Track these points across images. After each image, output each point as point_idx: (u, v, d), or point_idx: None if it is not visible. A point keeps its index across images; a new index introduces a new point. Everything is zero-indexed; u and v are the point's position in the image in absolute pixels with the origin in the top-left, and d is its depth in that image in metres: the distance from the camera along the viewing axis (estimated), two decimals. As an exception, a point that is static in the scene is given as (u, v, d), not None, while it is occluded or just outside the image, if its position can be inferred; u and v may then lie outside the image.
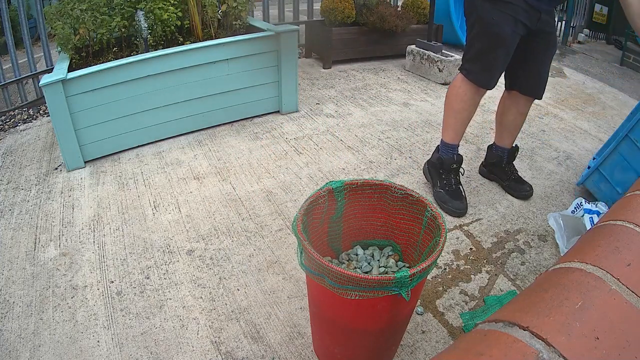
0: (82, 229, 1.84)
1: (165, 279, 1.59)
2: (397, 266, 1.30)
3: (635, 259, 0.54)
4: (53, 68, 2.34)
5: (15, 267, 1.65)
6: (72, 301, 1.50)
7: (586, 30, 5.53)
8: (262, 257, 1.70)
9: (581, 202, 1.88)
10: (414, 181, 2.19)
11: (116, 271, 1.63)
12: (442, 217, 1.12)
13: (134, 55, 2.38)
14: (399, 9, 4.12)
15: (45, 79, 2.05)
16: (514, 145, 2.11)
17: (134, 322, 1.42)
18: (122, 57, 2.35)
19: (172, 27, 2.57)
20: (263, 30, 2.68)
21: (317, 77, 3.57)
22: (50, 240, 1.79)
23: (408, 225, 1.27)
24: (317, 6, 3.96)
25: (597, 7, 5.49)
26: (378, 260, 1.32)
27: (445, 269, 1.66)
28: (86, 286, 1.56)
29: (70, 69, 2.23)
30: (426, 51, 3.60)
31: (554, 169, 2.35)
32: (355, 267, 1.30)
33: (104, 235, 1.81)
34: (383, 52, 3.98)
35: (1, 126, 2.79)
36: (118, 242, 1.77)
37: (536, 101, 2.02)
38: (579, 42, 5.32)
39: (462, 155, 2.00)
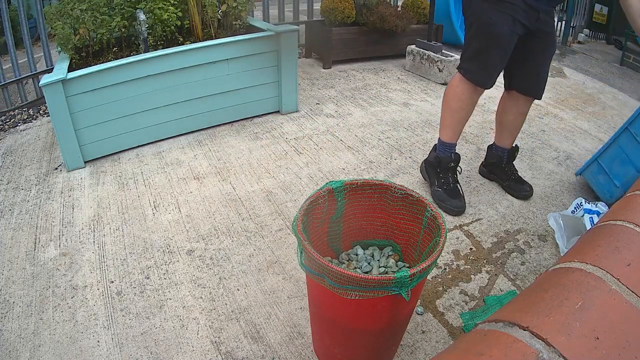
0: (82, 229, 1.84)
1: (165, 279, 1.59)
2: (397, 266, 1.30)
3: (635, 259, 0.54)
4: (53, 68, 2.34)
5: (15, 267, 1.65)
6: (72, 301, 1.50)
7: (586, 30, 5.53)
8: (262, 257, 1.70)
9: (581, 202, 1.88)
10: (414, 181, 2.19)
11: (116, 271, 1.63)
12: (442, 217, 1.12)
13: (134, 55, 2.38)
14: (399, 9, 4.12)
15: (45, 79, 2.05)
16: (514, 145, 2.11)
17: (134, 322, 1.42)
18: (122, 57, 2.35)
19: (172, 27, 2.57)
20: (263, 30, 2.68)
21: (317, 77, 3.57)
22: (50, 240, 1.79)
23: (408, 225, 1.27)
24: (317, 6, 3.96)
25: (597, 7, 5.49)
26: (378, 260, 1.32)
27: (445, 269, 1.66)
28: (86, 286, 1.56)
29: (70, 69, 2.23)
30: (426, 51, 3.60)
31: (554, 169, 2.35)
32: (355, 267, 1.30)
33: (104, 235, 1.81)
34: (383, 52, 3.98)
35: (1, 126, 2.79)
36: (118, 242, 1.77)
37: (536, 101, 2.02)
38: (579, 42, 5.32)
39: (459, 154, 2.00)
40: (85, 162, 2.30)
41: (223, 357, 1.31)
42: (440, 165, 1.99)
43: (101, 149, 2.35)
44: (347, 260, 1.34)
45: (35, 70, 3.07)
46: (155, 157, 2.38)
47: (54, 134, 2.52)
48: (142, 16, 2.39)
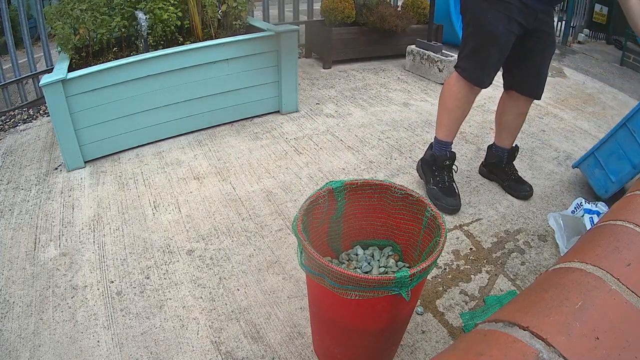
0: (82, 229, 1.84)
1: (165, 279, 1.59)
2: (397, 266, 1.30)
3: (635, 259, 0.54)
4: (53, 68, 2.34)
5: (15, 267, 1.65)
6: (72, 301, 1.50)
7: (586, 30, 5.53)
8: (262, 257, 1.70)
9: (581, 202, 1.88)
10: (414, 181, 2.19)
11: (116, 271, 1.63)
12: (442, 217, 1.12)
13: (134, 55, 2.38)
14: (399, 9, 4.12)
15: (45, 79, 2.05)
16: (514, 145, 2.11)
17: (134, 322, 1.42)
18: (122, 57, 2.35)
19: (172, 27, 2.57)
20: (263, 30, 2.68)
21: (317, 77, 3.57)
22: (50, 240, 1.79)
23: (408, 225, 1.27)
24: (317, 6, 3.96)
25: (597, 7, 5.48)
26: (378, 260, 1.32)
27: (445, 269, 1.66)
28: (86, 286, 1.56)
29: (70, 69, 2.23)
30: (426, 51, 3.60)
31: (554, 169, 2.35)
32: (355, 267, 1.30)
33: (104, 235, 1.81)
34: (383, 52, 3.98)
35: (1, 126, 2.79)
36: (118, 242, 1.77)
37: (536, 101, 2.02)
38: (579, 42, 5.32)
39: (454, 153, 2.01)
40: (85, 162, 2.30)
41: (223, 357, 1.31)
42: (436, 163, 2.00)
43: (101, 149, 2.35)
44: (347, 260, 1.34)
45: (35, 70, 3.06)
46: (155, 157, 2.38)
47: (54, 134, 2.52)
48: (141, 16, 2.39)
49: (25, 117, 2.92)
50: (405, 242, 1.31)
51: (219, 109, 2.65)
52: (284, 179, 2.19)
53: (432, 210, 1.16)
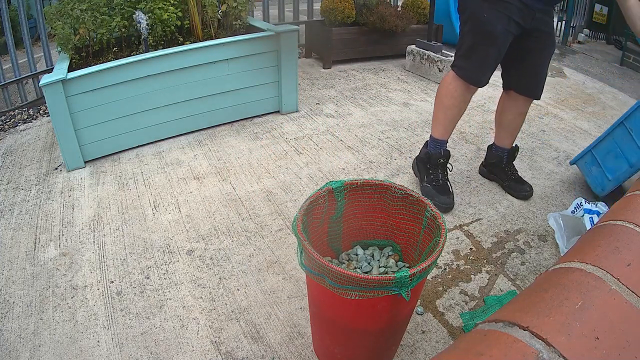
0: (82, 229, 1.84)
1: (165, 279, 1.59)
2: (397, 266, 1.30)
3: (635, 259, 0.54)
4: (53, 68, 2.34)
5: (15, 267, 1.65)
6: (72, 301, 1.50)
7: (586, 30, 5.53)
8: (262, 257, 1.70)
9: (581, 202, 1.88)
10: (414, 181, 2.19)
11: (116, 271, 1.63)
12: (442, 217, 1.12)
13: (134, 55, 2.38)
14: (399, 9, 4.12)
15: (45, 79, 2.05)
16: (513, 145, 2.11)
17: (134, 322, 1.42)
18: (122, 57, 2.35)
19: (172, 27, 2.57)
20: (263, 30, 2.68)
21: (317, 77, 3.57)
22: (50, 240, 1.79)
23: (408, 225, 1.27)
24: (317, 6, 3.96)
25: (597, 7, 5.48)
26: (378, 260, 1.32)
27: (445, 269, 1.66)
28: (86, 286, 1.56)
29: (70, 69, 2.23)
30: (426, 51, 3.60)
31: (554, 169, 2.35)
32: (355, 267, 1.30)
33: (104, 235, 1.81)
34: (383, 52, 3.98)
35: (1, 126, 2.79)
36: (118, 242, 1.77)
37: (536, 101, 2.02)
38: (579, 42, 5.32)
39: (449, 151, 2.01)
40: (85, 162, 2.30)
41: (223, 357, 1.31)
42: (430, 161, 2.00)
43: (101, 149, 2.35)
44: (347, 260, 1.34)
45: (35, 70, 3.07)
46: (155, 157, 2.38)
47: (54, 134, 2.52)
48: (141, 16, 2.39)
49: (25, 117, 2.92)
50: (405, 242, 1.31)
51: (219, 109, 2.65)
52: (284, 179, 2.19)
53: (432, 210, 1.16)
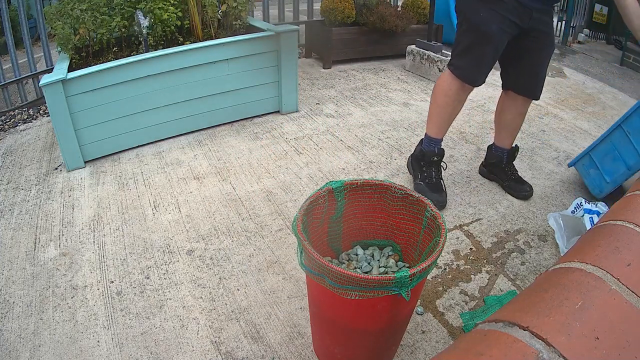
0: (82, 229, 1.84)
1: (165, 279, 1.59)
2: (397, 266, 1.30)
3: (635, 259, 0.54)
4: (53, 68, 2.34)
5: (15, 267, 1.65)
6: (72, 301, 1.50)
7: (586, 30, 5.52)
8: (262, 257, 1.70)
9: (581, 202, 1.88)
10: (414, 181, 2.19)
11: (116, 271, 1.63)
12: (442, 217, 1.12)
13: (134, 55, 2.38)
14: (399, 9, 4.12)
15: (45, 79, 2.05)
16: (513, 145, 2.11)
17: (134, 322, 1.42)
18: (122, 57, 2.35)
19: (172, 27, 2.57)
20: (263, 30, 2.68)
21: (317, 77, 3.57)
22: (50, 240, 1.79)
23: (408, 225, 1.27)
24: (317, 6, 3.96)
25: (597, 7, 5.48)
26: (378, 260, 1.32)
27: (445, 269, 1.66)
28: (86, 286, 1.56)
29: (70, 69, 2.23)
30: (426, 51, 3.60)
31: (554, 169, 2.35)
32: (355, 267, 1.30)
33: (104, 235, 1.81)
34: (383, 52, 3.98)
35: (1, 126, 2.79)
36: (118, 242, 1.77)
37: (536, 101, 2.01)
38: (579, 42, 5.32)
39: (443, 149, 2.01)
40: (85, 162, 2.30)
41: (223, 357, 1.31)
42: (424, 159, 2.00)
43: (101, 149, 2.35)
44: (347, 260, 1.34)
45: (35, 70, 3.07)
46: (155, 157, 2.38)
47: (54, 134, 2.52)
48: (141, 17, 2.39)
49: (25, 117, 2.92)
50: (405, 242, 1.31)
51: (219, 109, 2.65)
52: (284, 179, 2.19)
53: (432, 210, 1.16)
